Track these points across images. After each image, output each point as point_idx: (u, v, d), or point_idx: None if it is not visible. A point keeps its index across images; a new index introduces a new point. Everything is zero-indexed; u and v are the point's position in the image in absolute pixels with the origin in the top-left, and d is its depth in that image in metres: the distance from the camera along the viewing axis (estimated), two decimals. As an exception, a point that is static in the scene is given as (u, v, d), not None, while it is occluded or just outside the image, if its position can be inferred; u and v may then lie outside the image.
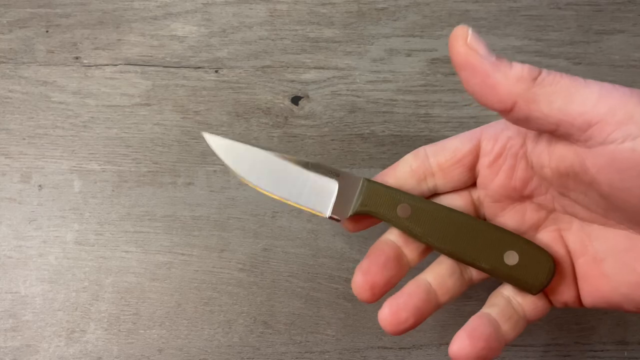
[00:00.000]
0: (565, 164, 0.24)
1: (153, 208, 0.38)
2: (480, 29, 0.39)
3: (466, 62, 0.23)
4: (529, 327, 0.37)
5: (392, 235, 0.29)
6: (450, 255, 0.28)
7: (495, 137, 0.27)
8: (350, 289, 0.37)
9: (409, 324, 0.26)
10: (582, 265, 0.27)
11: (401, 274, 0.28)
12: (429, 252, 0.29)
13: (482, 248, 0.27)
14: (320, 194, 0.28)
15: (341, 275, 0.37)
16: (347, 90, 0.39)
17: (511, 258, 0.27)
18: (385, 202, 0.28)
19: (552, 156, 0.25)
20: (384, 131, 0.39)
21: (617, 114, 0.21)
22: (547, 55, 0.39)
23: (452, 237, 0.27)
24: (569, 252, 0.27)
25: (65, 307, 0.37)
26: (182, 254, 0.37)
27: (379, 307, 0.38)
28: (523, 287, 0.27)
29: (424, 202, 0.28)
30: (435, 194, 0.29)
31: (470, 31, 0.23)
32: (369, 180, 0.28)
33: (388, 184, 0.29)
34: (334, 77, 0.39)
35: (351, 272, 0.37)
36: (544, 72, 0.23)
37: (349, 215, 0.28)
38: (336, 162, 0.38)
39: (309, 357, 0.37)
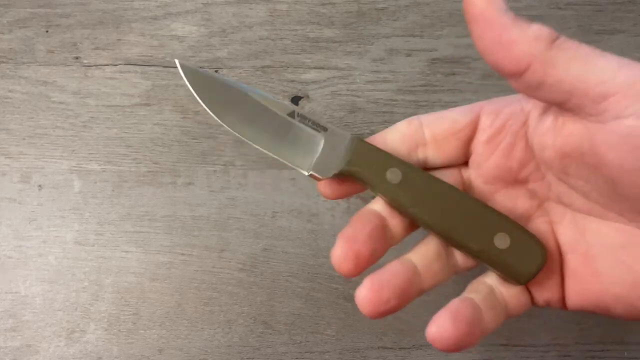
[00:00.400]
0: (572, 142, 0.22)
1: (153, 208, 0.38)
2: (480, 29, 0.39)
3: (482, 13, 0.21)
4: (529, 327, 0.37)
5: (377, 205, 0.26)
6: (438, 231, 0.25)
7: (497, 112, 0.25)
8: (351, 289, 0.37)
9: (390, 306, 0.24)
10: (572, 262, 0.25)
11: (385, 247, 0.25)
12: (414, 228, 0.26)
13: (473, 227, 0.25)
14: (302, 147, 0.26)
15: (341, 275, 0.37)
16: (347, 90, 0.39)
17: (502, 241, 0.24)
18: (374, 164, 0.25)
19: (557, 134, 0.23)
20: (384, 131, 0.39)
21: (636, 87, 0.20)
22: (547, 55, 0.39)
23: (442, 212, 0.25)
24: (558, 247, 0.25)
25: (65, 307, 0.37)
26: (182, 254, 0.38)
27: (379, 307, 0.38)
28: (511, 274, 0.25)
29: (416, 170, 0.25)
30: (425, 168, 0.27)
31: None
32: (359, 139, 0.26)
33: None
34: (334, 77, 0.39)
35: (351, 272, 0.37)
36: (563, 36, 0.21)
37: (332, 174, 0.25)
38: (336, 162, 0.38)
39: (309, 357, 0.37)
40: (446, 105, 0.39)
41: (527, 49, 0.21)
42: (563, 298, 0.25)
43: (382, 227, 0.25)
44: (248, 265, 0.37)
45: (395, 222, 0.26)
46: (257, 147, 0.26)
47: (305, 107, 0.39)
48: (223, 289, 0.37)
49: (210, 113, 0.26)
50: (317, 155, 0.25)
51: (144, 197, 0.38)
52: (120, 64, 0.39)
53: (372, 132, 0.39)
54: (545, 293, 0.26)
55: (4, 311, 0.37)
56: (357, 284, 0.37)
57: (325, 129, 0.26)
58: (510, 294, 0.25)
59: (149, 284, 0.37)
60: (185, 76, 0.26)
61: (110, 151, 0.38)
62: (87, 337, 0.37)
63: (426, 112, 0.39)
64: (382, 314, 0.24)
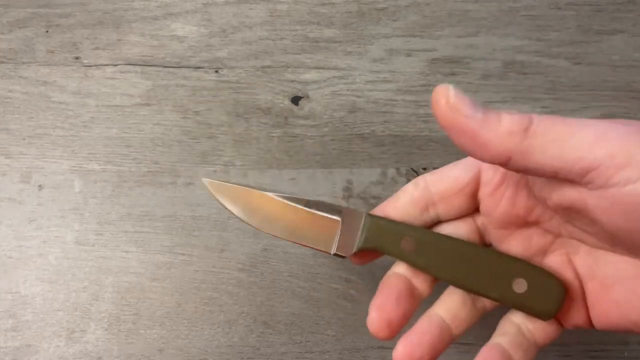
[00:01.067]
0: (567, 201, 0.23)
1: (153, 208, 0.38)
2: (480, 29, 0.39)
3: (452, 124, 0.22)
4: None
5: (400, 268, 0.28)
6: (458, 285, 0.27)
7: (495, 166, 0.26)
8: (351, 289, 0.37)
9: None
10: (592, 290, 0.26)
11: (415, 306, 0.27)
12: (438, 280, 0.28)
13: (490, 277, 0.26)
14: (323, 231, 0.28)
15: (341, 275, 0.37)
16: (347, 90, 0.39)
17: (520, 286, 0.26)
18: (388, 237, 0.27)
19: (552, 192, 0.24)
20: (384, 131, 0.39)
21: (616, 158, 0.20)
22: (547, 55, 0.39)
23: (458, 268, 0.27)
24: (578, 276, 0.27)
25: (65, 307, 0.37)
26: (182, 254, 0.38)
27: (379, 307, 0.38)
28: (534, 314, 0.26)
29: (427, 234, 0.27)
30: (439, 222, 0.29)
31: (451, 90, 0.22)
32: (371, 215, 0.28)
33: (390, 216, 0.28)
34: (334, 77, 0.39)
35: (351, 272, 0.37)
36: (535, 119, 0.22)
37: (353, 251, 0.28)
38: (336, 162, 0.38)
39: (309, 357, 0.37)
40: (446, 105, 0.39)
41: (503, 145, 0.22)
42: (590, 320, 0.27)
43: (408, 289, 0.27)
44: (248, 265, 0.37)
45: (420, 280, 0.28)
46: (284, 239, 0.29)
47: (305, 107, 0.39)
48: (223, 289, 0.37)
49: (243, 221, 0.29)
50: (338, 236, 0.28)
51: (144, 197, 0.38)
52: (120, 64, 0.39)
53: (372, 132, 0.39)
54: (571, 320, 0.27)
55: (4, 311, 0.37)
56: (357, 284, 0.37)
57: (339, 212, 0.28)
58: (537, 327, 0.27)
59: (149, 284, 0.37)
60: (214, 192, 0.30)
61: (110, 151, 0.38)
62: (87, 337, 0.37)
63: (426, 112, 0.39)
64: None
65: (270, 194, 0.29)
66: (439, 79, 0.39)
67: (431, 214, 0.28)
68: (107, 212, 0.38)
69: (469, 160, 0.28)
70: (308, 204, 0.29)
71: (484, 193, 0.27)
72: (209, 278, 0.37)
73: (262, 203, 0.29)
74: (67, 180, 0.38)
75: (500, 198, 0.27)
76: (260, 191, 0.29)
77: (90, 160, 0.38)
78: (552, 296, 0.26)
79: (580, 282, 0.27)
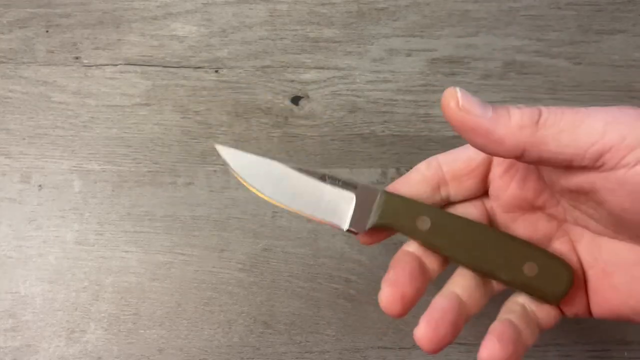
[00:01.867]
0: (575, 184, 0.24)
1: (153, 208, 0.38)
2: (480, 29, 0.39)
3: (464, 125, 0.23)
4: (529, 327, 0.37)
5: (412, 247, 0.28)
6: (469, 267, 0.27)
7: None
8: (351, 289, 0.37)
9: (447, 340, 0.25)
10: (593, 277, 0.27)
11: (425, 285, 0.27)
12: (449, 262, 0.28)
13: (501, 260, 0.27)
14: (337, 206, 0.28)
15: (341, 275, 0.37)
16: (347, 90, 0.39)
17: (530, 269, 0.26)
18: (404, 215, 0.27)
19: (562, 175, 0.25)
20: (384, 131, 0.39)
21: (627, 139, 0.21)
22: (547, 55, 0.39)
23: (472, 249, 0.27)
24: (581, 263, 0.27)
25: (65, 307, 0.37)
26: (182, 254, 0.38)
27: (379, 307, 0.38)
28: (542, 297, 0.27)
29: (443, 214, 0.27)
30: (449, 202, 0.29)
31: (459, 93, 0.23)
32: (387, 193, 0.28)
33: (402, 194, 0.28)
34: (334, 77, 0.39)
35: (351, 272, 0.37)
36: (544, 111, 0.23)
37: (367, 228, 0.28)
38: (336, 162, 0.38)
39: (309, 357, 0.37)
40: (446, 105, 0.39)
41: (516, 139, 0.23)
42: (589, 309, 0.27)
43: (420, 267, 0.27)
44: (248, 265, 0.37)
45: (431, 260, 0.28)
46: (297, 212, 0.28)
47: (305, 107, 0.39)
48: (223, 289, 0.37)
49: (254, 190, 0.28)
50: (351, 212, 0.28)
51: (144, 197, 0.38)
52: (120, 64, 0.39)
53: (372, 132, 0.39)
54: (573, 307, 0.27)
55: (4, 311, 0.37)
56: (358, 284, 0.37)
57: (355, 187, 0.28)
58: (541, 310, 0.27)
59: (149, 284, 0.37)
60: (226, 157, 0.29)
61: (110, 151, 0.38)
62: (87, 337, 0.37)
63: (426, 112, 0.39)
64: (441, 349, 0.26)
65: (287, 165, 0.28)
66: (439, 79, 0.39)
67: (442, 194, 0.28)
68: (107, 212, 0.38)
69: None
70: (323, 177, 0.28)
71: (494, 174, 0.28)
72: (209, 278, 0.37)
73: (277, 173, 0.28)
74: (67, 180, 0.38)
75: (510, 180, 0.27)
76: (275, 161, 0.28)
77: (90, 160, 0.38)
78: (561, 280, 0.26)
79: (583, 269, 0.27)
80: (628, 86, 0.39)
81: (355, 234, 0.28)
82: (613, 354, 0.37)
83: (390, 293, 0.26)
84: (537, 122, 0.23)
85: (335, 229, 0.29)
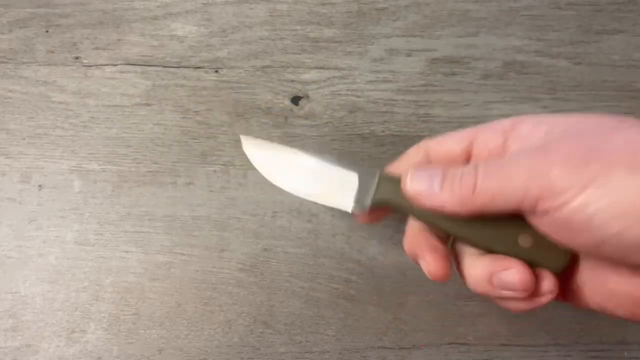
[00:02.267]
0: (538, 225, 0.26)
1: (153, 208, 0.38)
2: (481, 29, 0.39)
3: (420, 204, 0.27)
4: (530, 327, 0.37)
5: (416, 228, 0.30)
6: (466, 240, 0.28)
7: (485, 143, 0.28)
8: (351, 289, 0.37)
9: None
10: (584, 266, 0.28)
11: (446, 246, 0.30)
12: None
13: (497, 233, 0.27)
14: (340, 190, 0.30)
15: (341, 275, 0.37)
16: (347, 90, 0.39)
17: (525, 240, 0.27)
18: (402, 193, 0.28)
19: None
20: (384, 131, 0.39)
21: (551, 189, 0.23)
22: (547, 55, 0.39)
23: (467, 224, 0.28)
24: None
25: (65, 307, 0.37)
26: (182, 254, 0.38)
27: (379, 307, 0.38)
28: (544, 265, 0.27)
29: None
30: None
31: (409, 177, 0.27)
32: (384, 173, 0.30)
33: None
34: (334, 77, 0.39)
35: (351, 272, 0.37)
36: (479, 178, 0.25)
37: (368, 207, 0.29)
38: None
39: (309, 357, 0.37)
40: (446, 105, 0.39)
41: (465, 209, 0.26)
42: (579, 298, 0.28)
43: (436, 242, 0.29)
44: (248, 265, 0.37)
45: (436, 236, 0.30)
46: (304, 197, 0.30)
47: (305, 107, 0.39)
48: (223, 289, 0.37)
49: (268, 177, 0.31)
50: (355, 193, 0.29)
51: (144, 197, 0.38)
52: (120, 64, 0.39)
53: (372, 132, 0.39)
54: (567, 290, 0.28)
55: (4, 311, 0.37)
56: (358, 284, 0.37)
57: (356, 170, 0.30)
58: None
59: (149, 284, 0.37)
60: (247, 149, 0.32)
61: (110, 151, 0.38)
62: (87, 337, 0.37)
63: (426, 112, 0.39)
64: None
65: (296, 150, 0.31)
66: (439, 79, 0.39)
67: None
68: (107, 212, 0.38)
69: (463, 133, 0.30)
70: (325, 162, 0.30)
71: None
72: (209, 278, 0.37)
73: (291, 158, 0.31)
74: (67, 180, 0.38)
75: None
76: (286, 148, 0.31)
77: (90, 160, 0.38)
78: (558, 252, 0.27)
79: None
80: (628, 86, 0.39)
81: (359, 214, 0.30)
82: (613, 354, 0.37)
83: (433, 262, 0.28)
84: (473, 192, 0.25)
85: (341, 214, 0.32)
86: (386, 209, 0.30)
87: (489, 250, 0.28)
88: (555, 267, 0.27)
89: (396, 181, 0.29)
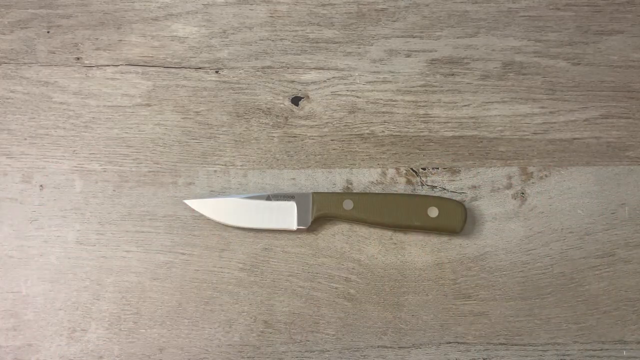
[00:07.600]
0: None
1: (154, 208, 0.38)
2: (480, 30, 0.40)
3: None
4: (528, 327, 0.37)
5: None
6: (390, 225, 0.37)
7: None
8: (351, 289, 0.38)
9: None
10: None
11: None
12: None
13: (411, 211, 0.37)
14: (284, 215, 0.37)
15: (341, 275, 0.38)
16: (347, 90, 0.39)
17: (433, 212, 0.37)
18: (332, 204, 0.37)
19: None
20: (383, 131, 0.39)
21: None
22: (546, 55, 0.39)
23: (389, 212, 0.37)
24: None
25: (67, 307, 0.37)
26: (183, 254, 0.38)
27: (378, 306, 0.38)
28: (446, 231, 0.37)
29: (360, 195, 0.37)
30: None
31: None
32: (316, 192, 0.37)
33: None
34: (333, 77, 0.39)
35: (351, 271, 0.37)
36: None
37: (310, 222, 0.37)
38: (336, 162, 0.39)
39: (309, 356, 0.37)
40: (445, 106, 0.39)
41: None
42: None
43: None
44: (248, 264, 0.38)
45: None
46: (255, 229, 0.37)
47: (305, 108, 0.39)
48: (223, 289, 0.37)
49: (218, 221, 0.37)
50: (296, 215, 0.37)
51: (145, 197, 0.38)
52: (121, 65, 0.39)
53: (372, 132, 0.39)
54: None
55: (6, 310, 0.37)
56: (358, 283, 0.37)
57: (293, 197, 0.37)
58: None
59: (149, 284, 0.37)
60: (196, 208, 0.37)
61: (111, 151, 0.39)
62: (88, 336, 0.37)
63: (425, 112, 0.39)
64: None
65: (237, 197, 0.37)
66: (438, 79, 0.39)
67: None
68: (108, 212, 0.38)
69: None
70: (268, 197, 0.37)
71: None
72: (210, 277, 0.37)
73: (233, 205, 0.37)
74: (68, 180, 0.38)
75: None
76: (229, 197, 0.37)
77: (91, 161, 0.39)
78: (457, 215, 0.36)
79: None
80: (626, 86, 0.39)
81: (303, 230, 0.37)
82: (611, 353, 0.37)
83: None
84: None
85: (289, 231, 0.38)
86: (325, 218, 0.37)
87: (407, 229, 0.37)
88: (454, 228, 0.36)
89: (328, 196, 0.37)
